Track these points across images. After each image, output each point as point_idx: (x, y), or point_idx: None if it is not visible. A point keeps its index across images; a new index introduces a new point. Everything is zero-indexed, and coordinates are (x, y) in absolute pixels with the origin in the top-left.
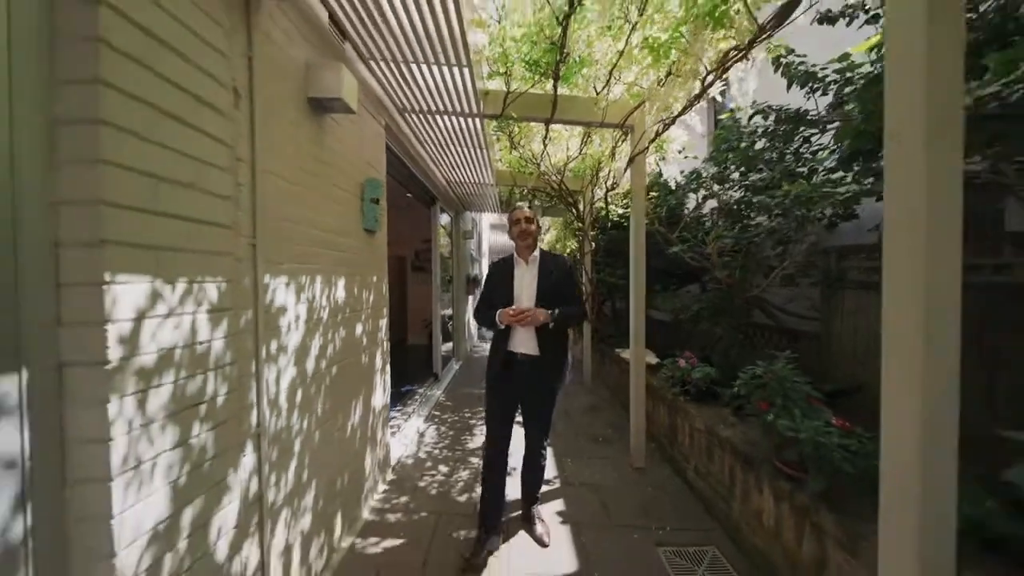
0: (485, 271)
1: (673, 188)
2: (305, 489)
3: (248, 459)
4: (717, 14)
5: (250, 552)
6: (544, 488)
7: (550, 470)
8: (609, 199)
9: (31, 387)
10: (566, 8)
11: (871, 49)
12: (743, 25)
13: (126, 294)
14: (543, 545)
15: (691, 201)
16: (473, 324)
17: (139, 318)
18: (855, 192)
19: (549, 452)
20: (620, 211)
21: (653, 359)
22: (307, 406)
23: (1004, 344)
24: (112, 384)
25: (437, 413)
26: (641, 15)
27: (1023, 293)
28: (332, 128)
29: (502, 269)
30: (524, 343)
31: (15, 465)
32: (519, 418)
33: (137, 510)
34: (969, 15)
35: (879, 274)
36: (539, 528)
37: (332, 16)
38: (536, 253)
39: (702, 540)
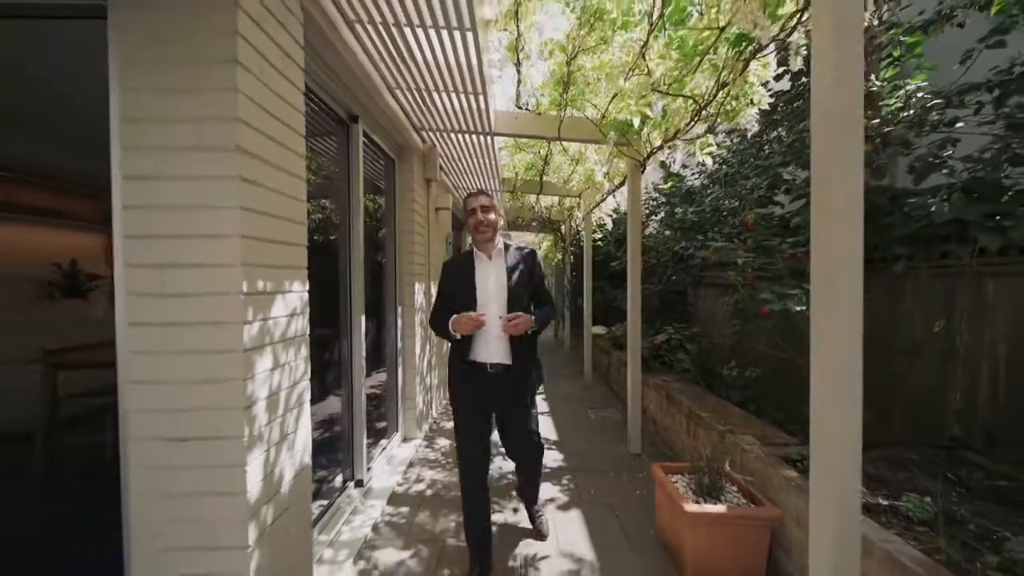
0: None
1: (610, 227)
2: (430, 371)
3: (429, 345)
4: (594, 176)
5: (428, 379)
6: (538, 402)
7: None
8: (579, 229)
9: (401, 314)
10: (543, 160)
11: (668, 185)
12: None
13: (415, 288)
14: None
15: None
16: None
17: (414, 294)
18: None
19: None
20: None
21: (603, 330)
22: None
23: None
24: (414, 312)
25: None
26: (573, 170)
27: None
28: (439, 215)
29: (459, 267)
30: (492, 351)
31: (398, 328)
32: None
33: (419, 346)
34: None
35: (716, 280)
36: (540, 512)
37: (441, 166)
38: (500, 245)
39: (609, 407)
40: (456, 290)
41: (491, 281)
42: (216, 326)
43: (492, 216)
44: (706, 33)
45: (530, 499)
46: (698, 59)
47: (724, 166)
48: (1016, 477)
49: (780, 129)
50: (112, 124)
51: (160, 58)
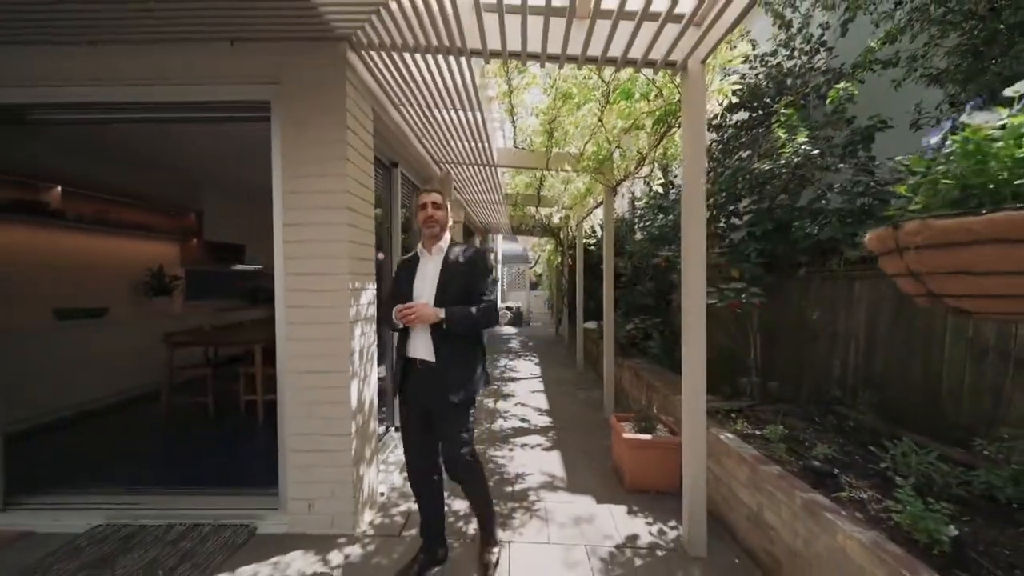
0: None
1: (600, 235)
2: None
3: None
4: (584, 195)
5: None
6: (536, 384)
7: (535, 368)
8: (574, 236)
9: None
10: (539, 181)
11: (648, 197)
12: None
13: None
14: None
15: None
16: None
17: None
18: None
19: (538, 365)
20: (586, 241)
21: (594, 325)
22: None
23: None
24: None
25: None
26: (565, 188)
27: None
28: (452, 227)
29: (407, 264)
30: (421, 347)
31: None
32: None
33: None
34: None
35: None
36: (493, 552)
37: (455, 187)
38: (443, 243)
39: (595, 389)
40: (399, 285)
41: (427, 278)
42: (334, 308)
43: (441, 213)
44: (638, 114)
45: (481, 525)
46: (633, 128)
47: None
48: (854, 417)
49: (738, 155)
50: (275, 193)
51: (302, 156)
